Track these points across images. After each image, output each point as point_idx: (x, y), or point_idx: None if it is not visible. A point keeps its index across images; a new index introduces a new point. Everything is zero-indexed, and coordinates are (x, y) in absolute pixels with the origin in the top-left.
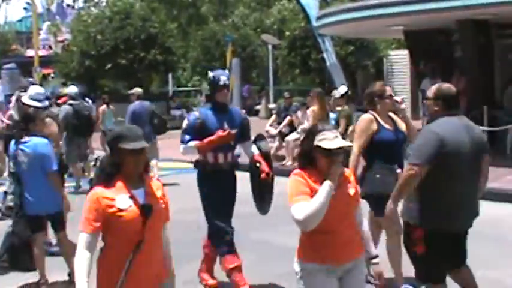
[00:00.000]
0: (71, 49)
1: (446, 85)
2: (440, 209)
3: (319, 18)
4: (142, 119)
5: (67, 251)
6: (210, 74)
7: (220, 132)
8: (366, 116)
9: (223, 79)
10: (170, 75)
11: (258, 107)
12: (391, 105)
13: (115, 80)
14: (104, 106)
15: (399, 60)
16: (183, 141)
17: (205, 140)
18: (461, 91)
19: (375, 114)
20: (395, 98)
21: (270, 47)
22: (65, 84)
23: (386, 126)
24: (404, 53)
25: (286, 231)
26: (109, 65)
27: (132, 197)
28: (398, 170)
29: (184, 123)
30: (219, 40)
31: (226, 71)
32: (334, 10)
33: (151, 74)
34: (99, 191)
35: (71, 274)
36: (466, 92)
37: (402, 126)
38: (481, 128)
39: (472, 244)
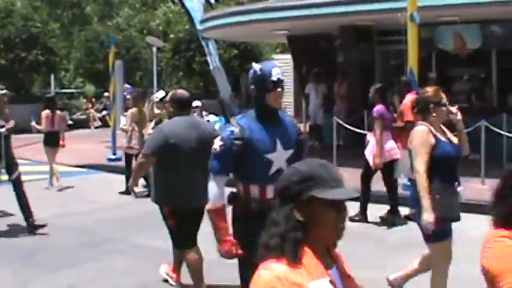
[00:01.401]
0: None
1: (180, 91)
2: (173, 190)
3: (203, 21)
4: None
5: None
6: (256, 66)
7: (228, 248)
8: (422, 128)
9: (275, 73)
10: (52, 77)
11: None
12: (446, 114)
13: None
14: None
15: (283, 64)
16: (210, 169)
17: (217, 228)
18: (343, 95)
19: (429, 126)
20: (451, 107)
21: (154, 49)
22: None
23: (443, 139)
24: (288, 57)
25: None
26: None
27: (332, 283)
28: (459, 188)
29: (217, 144)
30: (102, 41)
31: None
32: (219, 14)
33: (33, 74)
34: (280, 271)
35: None
36: (348, 96)
37: (454, 138)
38: (361, 131)
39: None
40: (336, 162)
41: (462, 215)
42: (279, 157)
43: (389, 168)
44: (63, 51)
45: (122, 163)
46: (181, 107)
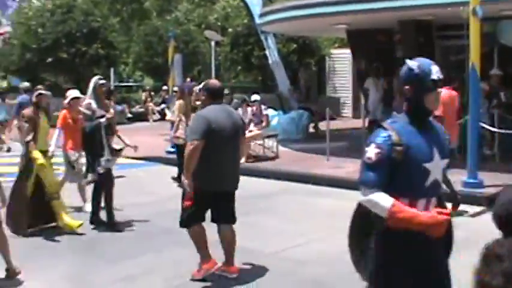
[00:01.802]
0: (12, 42)
1: (212, 80)
2: (208, 173)
3: (262, 15)
4: None
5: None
6: (412, 63)
7: (438, 216)
8: None
9: (435, 71)
10: (112, 70)
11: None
12: None
13: (56, 74)
14: None
15: (341, 59)
16: (365, 183)
17: (412, 216)
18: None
19: None
20: None
21: (212, 43)
22: (5, 78)
23: None
24: (346, 52)
25: None
26: (50, 59)
27: None
28: None
29: (370, 152)
30: (161, 35)
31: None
32: (278, 8)
33: (93, 68)
34: None
35: (9, 270)
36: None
37: None
38: None
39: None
40: None
41: None
42: (436, 167)
43: None
44: (123, 45)
45: None
46: (214, 96)
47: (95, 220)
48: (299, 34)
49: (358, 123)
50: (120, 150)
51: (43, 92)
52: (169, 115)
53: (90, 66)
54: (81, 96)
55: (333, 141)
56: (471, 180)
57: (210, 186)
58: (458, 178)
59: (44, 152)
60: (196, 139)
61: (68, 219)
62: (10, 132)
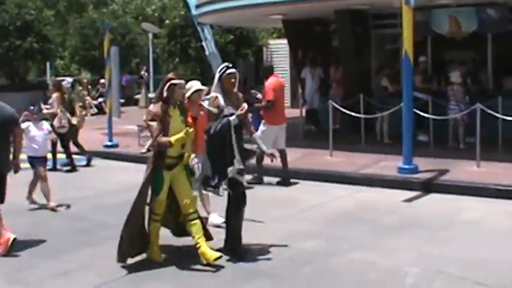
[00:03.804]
0: None
1: None
2: None
3: (198, 6)
4: None
5: None
6: None
7: None
8: None
9: None
10: (48, 64)
11: (137, 96)
12: None
13: None
14: None
15: (279, 49)
16: None
17: None
18: (339, 80)
19: None
20: None
21: (150, 35)
22: None
23: None
24: (284, 42)
25: None
26: None
27: None
28: None
29: None
30: (98, 28)
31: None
32: None
33: (28, 62)
34: None
35: None
36: (344, 80)
37: None
38: (357, 115)
39: (347, 227)
40: (332, 147)
41: (457, 197)
42: None
43: None
44: (59, 38)
45: (119, 149)
46: None
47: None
48: (236, 25)
49: (296, 112)
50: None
51: None
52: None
53: (25, 60)
54: (204, 88)
55: None
56: (406, 166)
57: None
58: (394, 164)
59: None
60: None
61: (205, 247)
62: None
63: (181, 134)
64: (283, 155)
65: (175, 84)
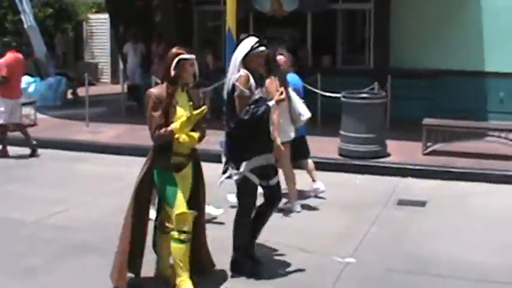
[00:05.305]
0: None
1: None
2: None
3: None
4: None
5: None
6: None
7: None
8: None
9: None
10: None
11: None
12: None
13: None
14: None
15: (99, 24)
16: None
17: None
18: (161, 55)
19: None
20: None
21: None
22: None
23: None
24: (104, 17)
25: None
26: None
27: None
28: None
29: None
30: None
31: None
32: None
33: None
34: None
35: None
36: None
37: None
38: None
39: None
40: None
41: None
42: None
43: None
44: None
45: None
46: None
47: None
48: None
49: (117, 88)
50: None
51: None
52: None
53: None
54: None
55: (92, 107)
56: None
57: None
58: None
59: None
60: None
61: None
62: None
63: (183, 118)
64: (21, 128)
65: (186, 60)
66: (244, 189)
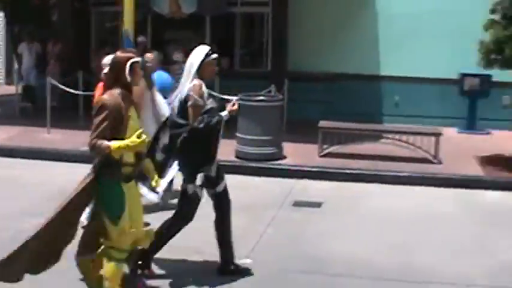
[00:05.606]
0: None
1: None
2: None
3: None
4: None
5: None
6: None
7: None
8: None
9: None
10: None
11: None
12: None
13: None
14: None
15: None
16: None
17: None
18: (57, 56)
19: None
20: None
21: None
22: None
23: None
24: None
25: None
26: None
27: None
28: None
29: None
30: None
31: None
32: None
33: None
34: None
35: None
36: (62, 56)
37: None
38: (76, 92)
39: None
40: (49, 125)
41: None
42: None
43: None
44: None
45: None
46: None
47: None
48: None
49: (11, 89)
50: None
51: None
52: None
53: None
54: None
55: None
56: None
57: None
58: None
59: None
60: None
61: None
62: None
63: (127, 142)
64: None
65: (137, 63)
66: (192, 201)
